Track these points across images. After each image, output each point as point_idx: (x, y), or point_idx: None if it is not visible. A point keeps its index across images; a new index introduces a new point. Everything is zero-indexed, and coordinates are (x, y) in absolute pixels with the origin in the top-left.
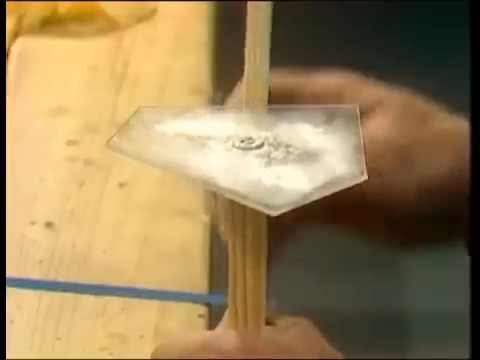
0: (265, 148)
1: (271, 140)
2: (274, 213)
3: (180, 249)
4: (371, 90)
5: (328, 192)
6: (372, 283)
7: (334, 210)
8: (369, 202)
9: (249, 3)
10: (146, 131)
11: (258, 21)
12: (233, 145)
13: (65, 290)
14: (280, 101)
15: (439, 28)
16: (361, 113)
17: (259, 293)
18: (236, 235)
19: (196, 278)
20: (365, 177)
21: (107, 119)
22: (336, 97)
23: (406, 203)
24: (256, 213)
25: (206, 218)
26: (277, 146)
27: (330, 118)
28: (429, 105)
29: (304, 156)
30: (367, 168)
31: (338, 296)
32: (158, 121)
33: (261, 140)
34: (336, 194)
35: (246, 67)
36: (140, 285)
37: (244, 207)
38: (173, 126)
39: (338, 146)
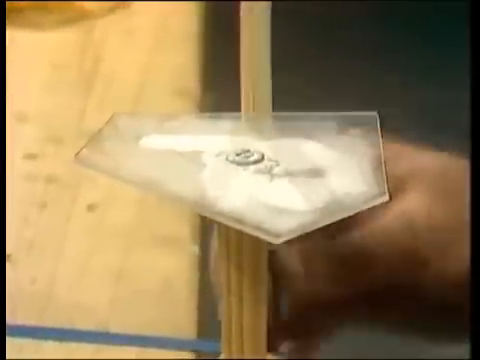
0: (265, 163)
1: (273, 153)
2: (277, 240)
3: (162, 285)
4: (407, 160)
5: (341, 216)
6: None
7: (381, 305)
8: (418, 293)
9: (242, 3)
10: (122, 142)
11: (254, 22)
12: (227, 159)
13: (23, 335)
14: None
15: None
16: (396, 186)
17: (258, 338)
18: (231, 267)
19: (182, 320)
20: (386, 198)
21: (74, 128)
22: None
23: (454, 291)
24: (255, 240)
25: (194, 247)
26: (280, 160)
27: (345, 128)
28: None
29: (313, 173)
30: (410, 256)
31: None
32: (136, 130)
33: (260, 153)
34: (383, 288)
35: (242, 72)
36: (114, 329)
37: (240, 233)
38: (154, 136)
39: (354, 161)
